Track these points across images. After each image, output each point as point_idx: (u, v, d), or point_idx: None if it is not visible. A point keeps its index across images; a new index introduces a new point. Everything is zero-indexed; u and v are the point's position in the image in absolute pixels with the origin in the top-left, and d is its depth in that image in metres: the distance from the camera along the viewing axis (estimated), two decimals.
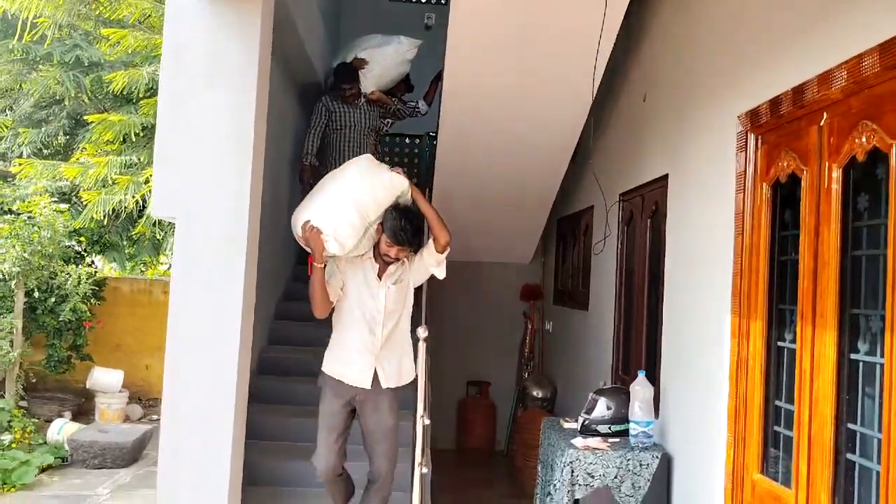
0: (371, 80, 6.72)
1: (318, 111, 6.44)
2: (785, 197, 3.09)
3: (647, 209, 4.66)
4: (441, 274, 4.01)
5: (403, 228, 3.70)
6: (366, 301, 3.80)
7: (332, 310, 3.85)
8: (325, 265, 3.76)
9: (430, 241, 3.88)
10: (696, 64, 3.95)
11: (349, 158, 5.96)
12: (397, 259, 3.83)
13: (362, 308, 3.80)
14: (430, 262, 3.96)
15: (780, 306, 3.10)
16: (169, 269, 11.25)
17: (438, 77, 6.40)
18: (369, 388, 3.81)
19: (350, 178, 3.79)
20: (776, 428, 3.08)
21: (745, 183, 3.26)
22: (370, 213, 3.72)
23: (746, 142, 3.26)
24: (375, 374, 3.82)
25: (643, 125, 4.77)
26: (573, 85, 4.76)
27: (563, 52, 4.53)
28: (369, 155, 4.06)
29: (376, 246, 3.83)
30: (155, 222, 7.93)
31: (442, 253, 3.91)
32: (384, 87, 6.92)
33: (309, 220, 3.68)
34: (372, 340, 3.80)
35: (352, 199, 3.69)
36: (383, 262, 3.84)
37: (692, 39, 4.06)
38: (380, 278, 3.84)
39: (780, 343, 3.09)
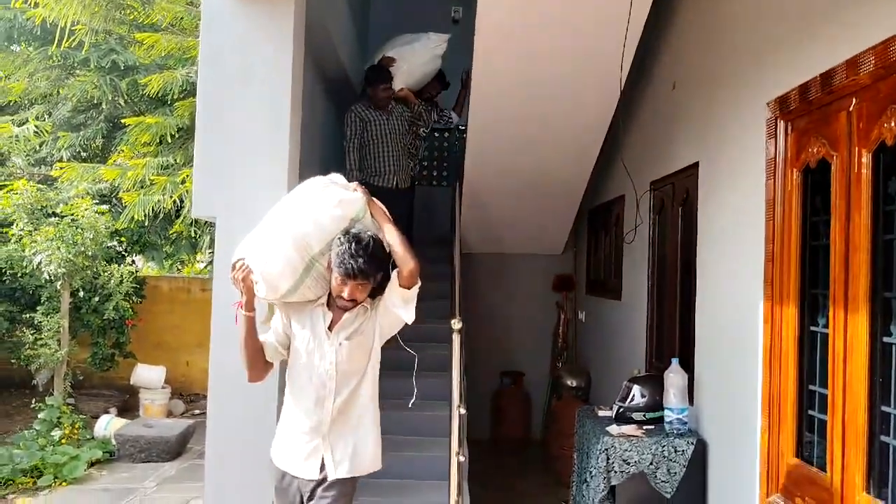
0: (400, 78, 6.44)
1: (352, 122, 6.09)
2: (815, 182, 3.10)
3: (678, 197, 4.67)
4: (409, 316, 2.99)
5: (353, 255, 2.82)
6: (314, 362, 2.96)
7: None
8: (278, 313, 3.05)
9: (395, 273, 2.97)
10: (724, 51, 3.96)
11: (389, 169, 6.04)
12: (353, 302, 2.92)
13: (310, 371, 2.96)
14: (394, 301, 2.96)
15: (813, 291, 3.12)
16: (205, 267, 11.48)
17: (465, 84, 6.42)
18: (316, 478, 2.95)
19: (288, 202, 3.02)
20: (811, 412, 3.10)
21: (775, 169, 3.28)
22: (313, 245, 2.89)
23: (776, 128, 3.28)
24: (324, 461, 2.96)
25: (672, 113, 4.78)
26: (602, 74, 4.78)
27: (592, 42, 4.56)
28: (325, 177, 3.13)
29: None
30: (192, 222, 8.09)
31: (409, 288, 2.94)
32: (415, 86, 6.66)
33: (242, 259, 2.93)
34: (319, 416, 2.95)
35: (287, 227, 2.90)
36: (338, 309, 2.98)
37: (720, 27, 4.07)
38: (330, 330, 2.97)
39: (812, 328, 3.10)
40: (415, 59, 6.54)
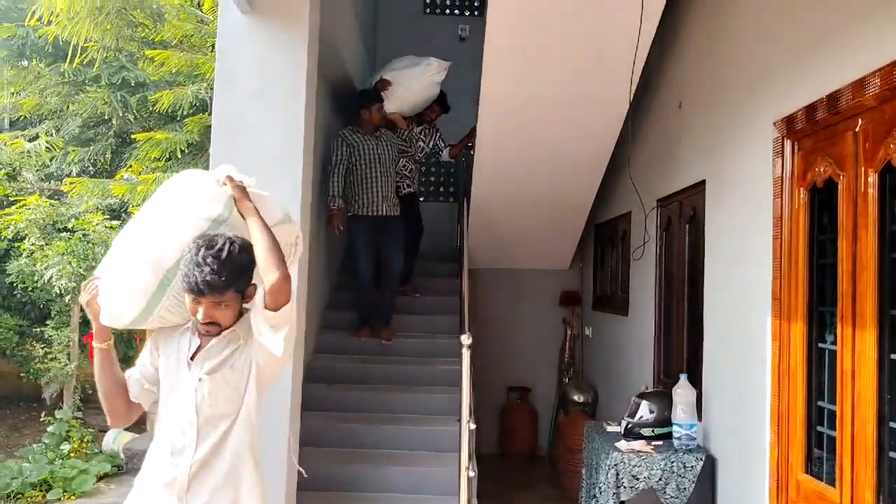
0: (394, 102, 6.43)
1: (338, 147, 5.98)
2: (822, 201, 3.14)
3: (685, 214, 4.72)
4: (276, 347, 2.25)
5: (199, 264, 2.17)
6: (174, 401, 2.33)
7: None
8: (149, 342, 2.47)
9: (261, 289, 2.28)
10: (730, 71, 4.02)
11: (377, 196, 5.98)
12: (214, 326, 2.28)
13: (170, 413, 2.34)
14: (259, 327, 2.26)
15: (821, 308, 3.15)
16: None
17: (470, 134, 6.36)
18: None
19: (144, 208, 2.43)
20: (819, 428, 3.12)
21: (782, 188, 3.32)
22: (165, 256, 2.26)
23: (783, 148, 3.33)
24: None
25: (679, 132, 4.84)
26: (609, 93, 4.85)
27: (599, 61, 4.62)
28: (196, 171, 2.55)
29: None
30: None
31: (275, 309, 2.23)
32: (410, 111, 6.69)
33: (95, 278, 2.40)
34: (174, 471, 2.28)
35: (135, 236, 2.34)
36: (201, 335, 2.34)
37: (726, 47, 4.13)
38: (192, 360, 2.33)
39: (820, 344, 3.13)
40: (412, 83, 6.46)
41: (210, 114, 7.17)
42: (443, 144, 6.99)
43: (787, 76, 3.32)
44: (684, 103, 4.76)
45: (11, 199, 8.05)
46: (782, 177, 3.32)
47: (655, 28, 4.37)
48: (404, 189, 6.76)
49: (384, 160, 6.08)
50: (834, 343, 2.98)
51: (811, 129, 3.12)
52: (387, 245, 6.06)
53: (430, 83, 6.51)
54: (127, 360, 8.01)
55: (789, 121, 3.25)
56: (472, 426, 4.19)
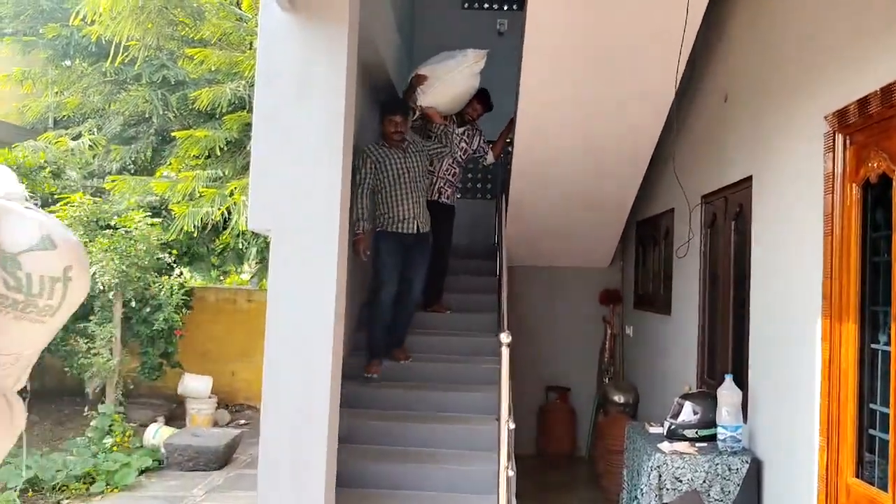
0: (430, 96, 6.06)
1: (363, 163, 5.42)
2: (876, 197, 3.05)
3: (730, 211, 4.62)
4: None
5: None
6: None
7: None
8: None
9: None
10: (778, 63, 3.92)
11: (408, 213, 5.55)
12: None
13: None
14: None
15: (873, 308, 3.06)
16: (250, 278, 11.63)
17: (509, 126, 6.11)
18: None
19: None
20: (871, 431, 3.03)
21: (833, 184, 3.23)
22: None
23: (834, 142, 3.23)
24: None
25: (725, 126, 4.74)
26: (652, 86, 4.77)
27: (642, 54, 4.55)
28: None
29: None
30: (239, 233, 8.21)
31: None
32: (449, 107, 6.26)
33: None
34: None
35: None
36: None
37: (774, 38, 4.03)
38: None
39: (873, 345, 3.04)
40: (449, 76, 6.05)
41: (249, 111, 7.24)
42: (486, 147, 6.67)
43: (839, 68, 3.22)
44: (730, 97, 4.66)
45: (56, 196, 8.18)
46: (833, 172, 3.22)
47: (700, 19, 4.28)
48: (444, 198, 6.42)
49: (413, 173, 5.63)
50: (888, 344, 2.89)
51: (864, 123, 3.02)
52: (412, 264, 5.69)
53: (467, 74, 6.11)
54: (167, 356, 8.10)
55: (841, 114, 3.15)
56: (512, 425, 4.14)
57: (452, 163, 6.41)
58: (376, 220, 5.60)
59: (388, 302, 5.54)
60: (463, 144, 6.50)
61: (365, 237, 5.37)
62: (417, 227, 5.62)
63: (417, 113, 6.12)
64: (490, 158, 6.70)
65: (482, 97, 6.43)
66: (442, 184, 6.36)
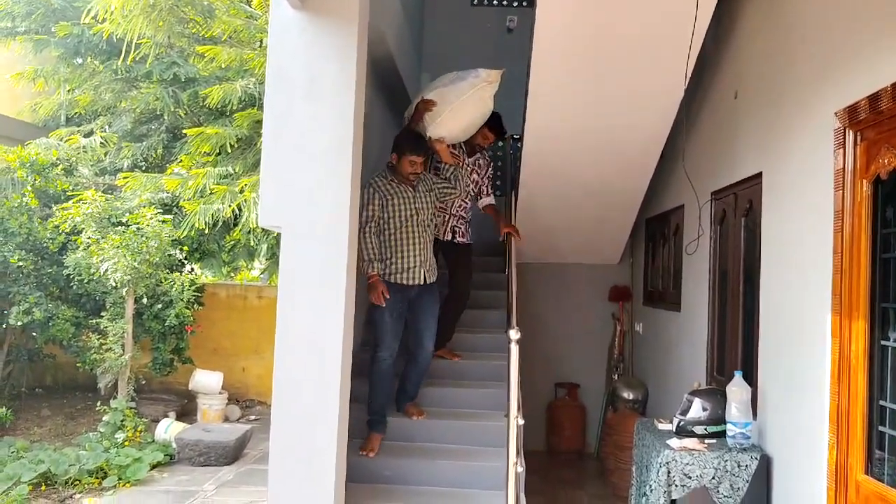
0: (440, 126, 5.24)
1: (369, 199, 4.80)
2: (887, 194, 3.04)
3: (740, 208, 4.61)
4: None
5: None
6: None
7: None
8: None
9: None
10: (789, 59, 3.91)
11: (415, 261, 4.83)
12: None
13: None
14: None
15: (883, 305, 3.05)
16: (259, 274, 11.68)
17: (505, 226, 5.75)
18: None
19: None
20: (881, 428, 3.03)
21: (843, 180, 3.22)
22: None
23: (845, 138, 3.22)
24: None
25: (735, 122, 4.73)
26: (662, 83, 4.76)
27: (652, 51, 4.54)
28: None
29: None
30: (249, 230, 8.25)
31: None
32: (459, 136, 5.48)
33: None
34: None
35: None
36: None
37: (785, 34, 4.01)
38: None
39: (883, 342, 3.03)
40: (459, 101, 5.21)
41: (259, 108, 7.27)
42: (488, 189, 5.93)
43: (850, 64, 3.21)
44: (740, 93, 4.65)
45: (69, 193, 8.24)
46: (844, 168, 3.21)
47: (711, 15, 4.27)
48: (458, 237, 5.74)
49: (423, 216, 4.94)
50: None
51: (875, 119, 3.01)
52: (420, 314, 4.97)
53: (481, 98, 5.26)
54: (178, 352, 8.15)
55: (852, 110, 3.14)
56: (521, 422, 4.15)
57: (466, 197, 5.75)
58: (382, 264, 4.89)
59: (388, 363, 4.82)
60: (474, 176, 5.83)
61: (379, 280, 4.73)
62: (424, 276, 4.91)
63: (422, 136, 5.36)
64: (485, 202, 5.92)
65: (495, 124, 5.68)
66: (455, 221, 5.71)
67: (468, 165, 5.78)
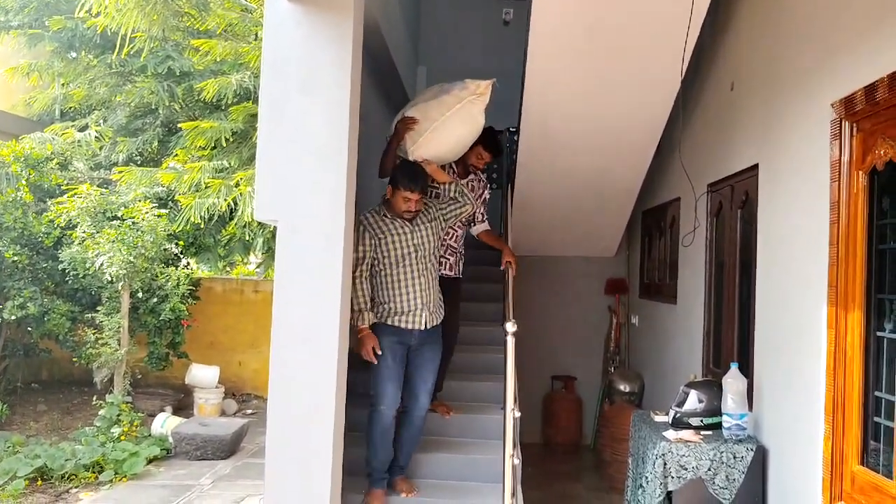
0: (424, 146, 4.54)
1: (359, 238, 4.22)
2: (883, 185, 3.04)
3: (736, 199, 4.62)
4: None
5: None
6: None
7: None
8: None
9: None
10: (785, 51, 3.91)
11: (416, 303, 4.26)
12: None
13: None
14: None
15: (879, 296, 3.06)
16: (255, 268, 11.65)
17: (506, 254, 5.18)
18: None
19: None
20: (876, 419, 3.04)
21: (840, 171, 3.22)
22: None
23: (841, 130, 3.22)
24: None
25: (731, 114, 4.73)
26: (658, 75, 4.76)
27: (648, 42, 4.53)
28: None
29: None
30: (245, 224, 8.24)
31: None
32: (447, 156, 4.74)
33: None
34: None
35: None
36: None
37: (781, 26, 4.01)
38: None
39: (879, 333, 3.04)
40: (445, 117, 4.50)
41: (255, 102, 7.25)
42: (483, 215, 5.25)
43: (846, 55, 3.21)
44: (737, 85, 4.65)
45: (63, 188, 8.22)
46: (840, 160, 3.22)
47: (707, 7, 4.26)
48: (446, 269, 4.95)
49: (424, 251, 4.34)
50: (893, 331, 2.89)
51: (871, 110, 3.01)
52: (419, 370, 4.39)
53: (468, 113, 4.53)
54: (174, 346, 8.14)
55: (848, 102, 3.14)
56: (517, 414, 4.15)
57: (455, 224, 4.88)
58: (375, 309, 4.32)
59: (389, 418, 4.28)
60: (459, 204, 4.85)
61: (370, 334, 4.19)
62: (425, 320, 4.31)
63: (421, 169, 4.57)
64: (478, 230, 5.25)
65: (489, 141, 4.95)
66: (444, 252, 4.93)
67: (462, 186, 4.85)
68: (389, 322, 4.27)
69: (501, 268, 5.29)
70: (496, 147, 5.11)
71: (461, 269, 5.14)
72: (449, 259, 4.99)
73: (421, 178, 4.31)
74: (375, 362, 4.19)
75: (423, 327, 4.30)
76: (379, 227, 4.28)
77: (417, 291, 4.28)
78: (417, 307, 4.28)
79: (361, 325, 4.17)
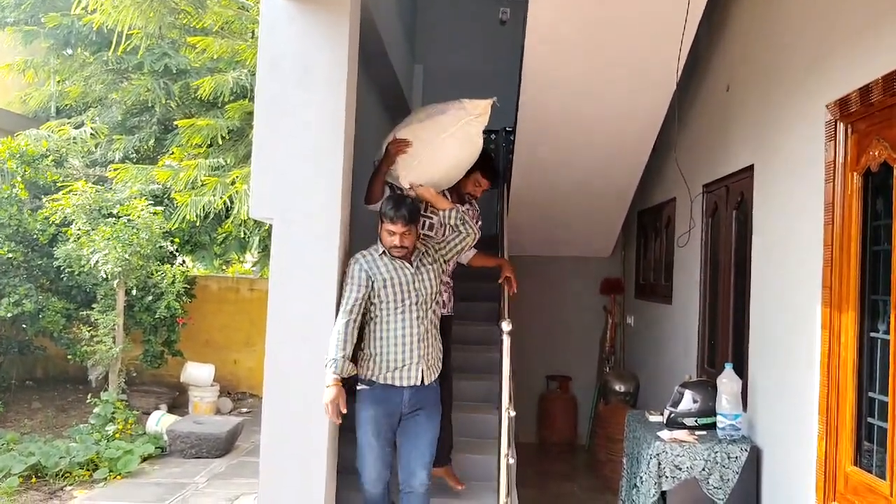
0: (416, 170, 4.07)
1: (351, 278, 3.65)
2: (877, 186, 3.05)
3: (731, 200, 4.63)
4: None
5: None
6: None
7: None
8: None
9: None
10: (781, 52, 3.91)
11: (410, 356, 3.63)
12: None
13: None
14: None
15: (873, 297, 3.07)
16: (251, 266, 11.65)
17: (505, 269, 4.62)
18: None
19: None
20: (870, 420, 3.05)
21: (834, 172, 3.23)
22: None
23: (836, 131, 3.23)
24: None
25: (727, 115, 4.74)
26: (654, 75, 4.76)
27: (644, 42, 4.54)
28: None
29: None
30: (241, 222, 8.23)
31: None
32: (442, 182, 4.18)
33: None
34: None
35: None
36: None
37: (776, 27, 4.02)
38: None
39: (872, 334, 3.05)
40: (439, 140, 4.03)
41: (251, 100, 7.23)
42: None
43: (841, 57, 3.22)
44: (732, 86, 4.66)
45: (59, 185, 8.20)
46: (835, 161, 3.23)
47: (703, 8, 4.27)
48: (440, 307, 4.04)
49: (426, 294, 3.75)
50: (887, 332, 2.90)
51: (866, 112, 3.02)
52: (414, 437, 3.72)
53: (465, 135, 4.06)
54: (169, 344, 8.13)
55: (843, 103, 3.15)
56: (512, 414, 4.15)
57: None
58: (358, 362, 3.70)
59: (376, 495, 3.72)
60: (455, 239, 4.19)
61: (341, 390, 3.49)
62: (422, 375, 3.68)
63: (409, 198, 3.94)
64: (470, 255, 4.47)
65: (486, 167, 4.45)
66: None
67: (460, 214, 4.13)
68: (378, 379, 3.65)
69: (500, 281, 4.71)
70: (495, 173, 4.68)
71: (452, 306, 4.47)
72: (442, 296, 4.17)
73: (409, 212, 3.65)
74: (338, 422, 3.55)
75: (418, 383, 3.66)
76: (376, 267, 3.68)
77: (415, 342, 3.65)
78: (413, 360, 3.64)
79: (334, 374, 3.47)
